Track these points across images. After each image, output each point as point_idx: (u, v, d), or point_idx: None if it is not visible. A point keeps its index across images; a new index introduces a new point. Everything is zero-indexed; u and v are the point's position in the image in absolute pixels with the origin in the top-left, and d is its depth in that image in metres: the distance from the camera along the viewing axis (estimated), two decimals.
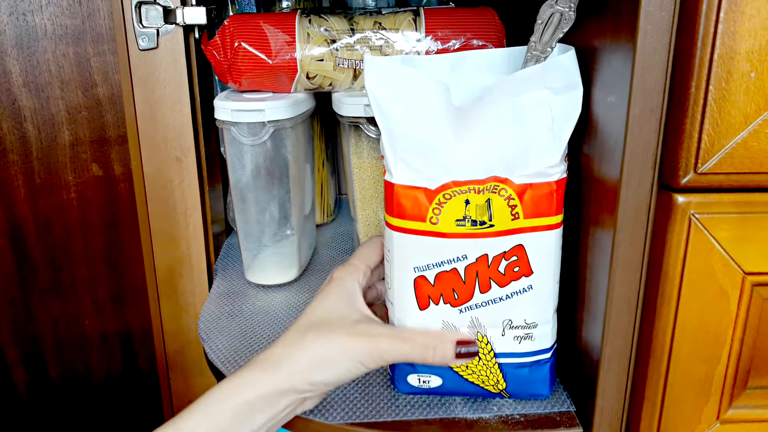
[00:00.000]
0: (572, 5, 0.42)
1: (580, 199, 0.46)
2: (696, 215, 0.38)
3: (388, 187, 0.44)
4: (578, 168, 0.47)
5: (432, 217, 0.43)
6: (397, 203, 0.43)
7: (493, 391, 0.48)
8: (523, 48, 0.45)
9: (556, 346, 0.48)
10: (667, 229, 0.38)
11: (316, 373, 0.41)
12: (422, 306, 0.45)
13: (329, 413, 0.49)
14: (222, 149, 0.75)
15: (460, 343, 0.43)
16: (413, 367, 0.48)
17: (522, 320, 0.45)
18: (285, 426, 0.50)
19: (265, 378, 0.40)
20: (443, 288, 0.44)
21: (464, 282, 0.44)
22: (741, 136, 0.36)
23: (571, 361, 0.50)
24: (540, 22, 0.43)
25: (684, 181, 0.37)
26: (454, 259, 0.43)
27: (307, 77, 0.63)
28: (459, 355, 0.42)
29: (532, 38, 0.43)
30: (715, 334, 0.40)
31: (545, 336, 0.47)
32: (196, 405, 0.40)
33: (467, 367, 0.47)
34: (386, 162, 0.44)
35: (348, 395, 0.51)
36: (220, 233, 0.80)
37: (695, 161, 0.36)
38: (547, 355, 0.47)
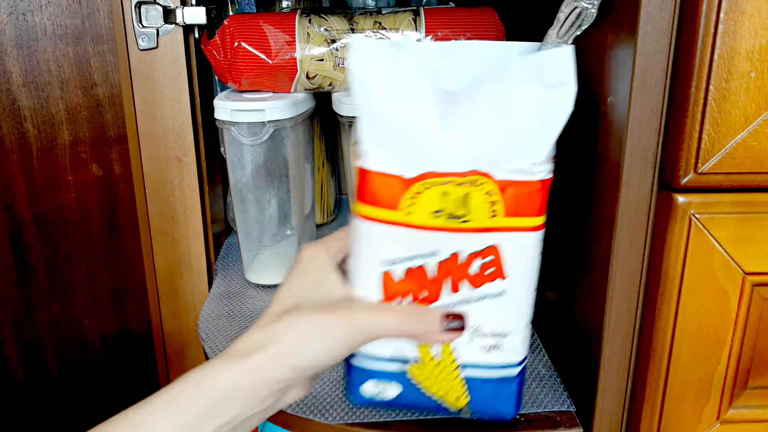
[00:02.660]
0: (595, 2, 0.41)
1: (580, 199, 0.46)
2: (696, 215, 0.37)
3: (361, 173, 0.40)
4: (578, 168, 0.47)
5: (406, 207, 0.39)
6: (369, 190, 0.40)
7: (454, 407, 0.44)
8: (517, 43, 0.44)
9: (526, 363, 0.45)
10: (668, 229, 0.38)
11: (294, 358, 0.37)
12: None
13: (329, 413, 0.49)
14: (222, 149, 0.75)
15: (447, 316, 0.40)
16: (369, 374, 0.44)
17: (491, 328, 0.42)
18: (285, 426, 0.50)
19: (239, 367, 0.36)
20: (411, 285, 0.41)
21: (434, 280, 0.41)
22: (741, 136, 0.36)
23: (571, 360, 0.50)
24: (562, 15, 0.42)
25: (684, 181, 0.37)
26: (425, 254, 0.40)
27: (307, 77, 0.63)
28: (446, 330, 0.40)
29: (550, 31, 0.42)
30: (716, 334, 0.40)
31: (515, 348, 0.43)
32: (158, 397, 0.36)
33: (429, 375, 0.43)
34: (360, 147, 0.40)
35: None
36: (220, 233, 0.80)
37: (695, 161, 0.36)
38: (516, 370, 0.43)
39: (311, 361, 0.38)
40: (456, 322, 0.40)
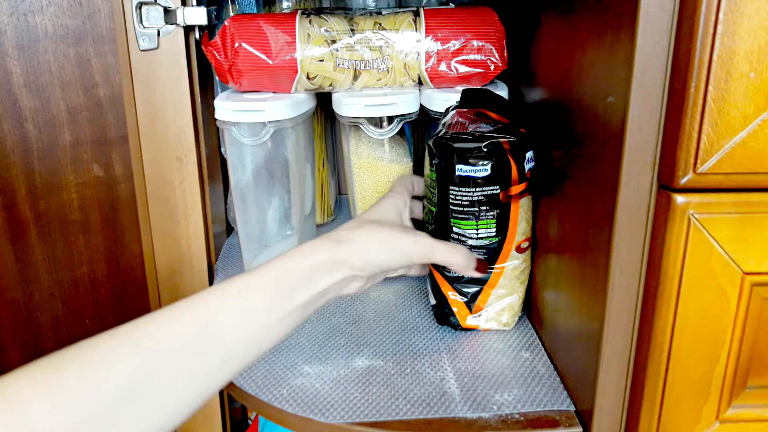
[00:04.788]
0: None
1: (579, 199, 0.46)
2: (695, 215, 0.38)
3: None
4: (578, 168, 0.47)
5: None
6: None
7: None
8: None
9: None
10: (667, 230, 0.38)
11: (369, 254, 0.48)
12: None
13: (329, 413, 0.49)
14: (223, 149, 0.75)
15: (479, 261, 0.54)
16: None
17: None
18: (285, 425, 0.50)
19: (330, 248, 0.47)
20: None
21: None
22: (740, 137, 0.36)
23: (571, 360, 0.50)
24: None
25: (683, 181, 0.37)
26: None
27: (308, 77, 0.63)
28: (476, 269, 0.54)
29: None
30: (715, 333, 0.40)
31: None
32: (270, 262, 0.46)
33: None
34: None
35: (348, 395, 0.51)
36: (221, 233, 0.80)
37: (694, 161, 0.37)
38: None
39: (380, 261, 0.49)
40: (480, 264, 0.54)
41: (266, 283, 0.44)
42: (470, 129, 0.53)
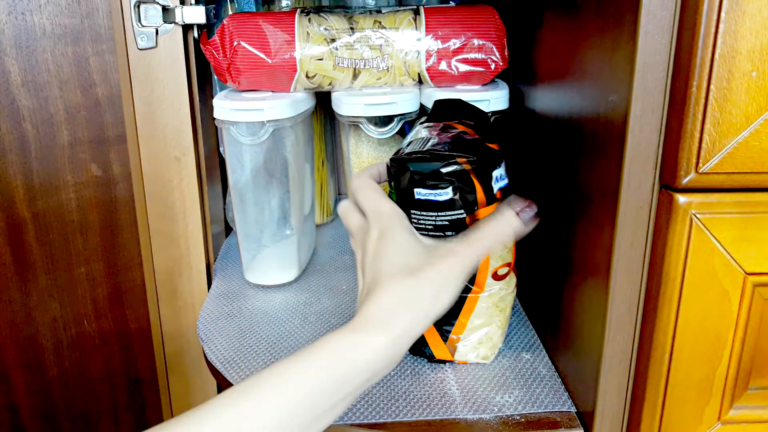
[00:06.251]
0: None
1: (581, 199, 0.46)
2: (697, 215, 0.37)
3: None
4: (579, 168, 0.47)
5: None
6: None
7: None
8: None
9: None
10: (668, 229, 0.38)
11: (433, 311, 0.39)
12: None
13: None
14: (221, 149, 0.75)
15: (518, 212, 0.42)
16: None
17: None
18: None
19: (371, 343, 0.37)
20: None
21: None
22: (742, 136, 0.36)
23: (572, 361, 0.50)
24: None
25: (685, 181, 0.37)
26: None
27: (307, 76, 0.63)
28: (526, 222, 0.42)
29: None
30: (717, 334, 0.40)
31: None
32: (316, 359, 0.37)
33: None
34: None
35: None
36: (220, 233, 0.79)
37: (696, 161, 0.36)
38: None
39: (415, 324, 0.38)
40: (529, 209, 0.42)
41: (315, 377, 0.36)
42: (431, 146, 0.46)
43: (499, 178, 0.46)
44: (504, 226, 0.42)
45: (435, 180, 0.44)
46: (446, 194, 0.44)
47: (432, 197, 0.44)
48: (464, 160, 0.43)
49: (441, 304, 0.39)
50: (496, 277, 0.50)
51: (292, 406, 0.36)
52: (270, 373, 0.37)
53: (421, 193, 0.44)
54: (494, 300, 0.52)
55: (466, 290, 0.51)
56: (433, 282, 0.39)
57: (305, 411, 0.36)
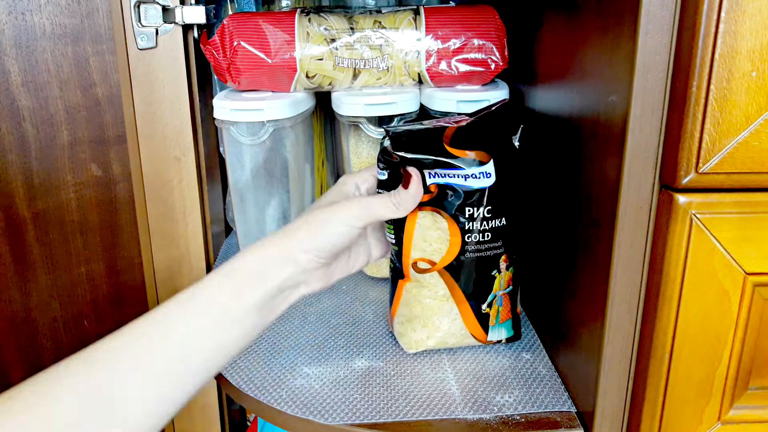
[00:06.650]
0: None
1: (581, 199, 0.46)
2: (697, 215, 0.37)
3: None
4: (579, 167, 0.47)
5: None
6: None
7: None
8: None
9: None
10: (668, 229, 0.38)
11: (312, 239, 0.45)
12: None
13: (329, 413, 0.48)
14: (221, 149, 0.75)
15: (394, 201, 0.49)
16: None
17: None
18: (285, 426, 0.50)
19: (276, 243, 0.45)
20: None
21: None
22: (742, 136, 0.36)
23: (572, 361, 0.50)
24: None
25: (685, 180, 0.37)
26: None
27: (307, 76, 0.63)
28: (396, 206, 0.48)
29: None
30: (717, 334, 0.40)
31: None
32: (222, 266, 0.44)
33: None
34: None
35: (348, 395, 0.50)
36: (220, 233, 0.79)
37: (696, 161, 0.36)
38: None
39: (323, 242, 0.45)
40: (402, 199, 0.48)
41: (213, 286, 0.43)
42: (417, 128, 0.51)
43: (435, 175, 0.50)
44: (379, 206, 0.48)
45: (379, 162, 0.51)
46: (383, 175, 0.51)
47: (379, 175, 0.51)
48: (396, 156, 0.49)
49: (334, 235, 0.46)
50: (416, 269, 0.53)
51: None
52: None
53: (378, 165, 0.52)
54: (415, 294, 0.54)
55: (400, 275, 0.55)
56: (339, 210, 0.47)
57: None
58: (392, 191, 0.49)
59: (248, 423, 0.87)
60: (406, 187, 0.48)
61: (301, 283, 0.46)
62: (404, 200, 0.48)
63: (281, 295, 0.44)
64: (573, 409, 0.48)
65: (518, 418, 0.47)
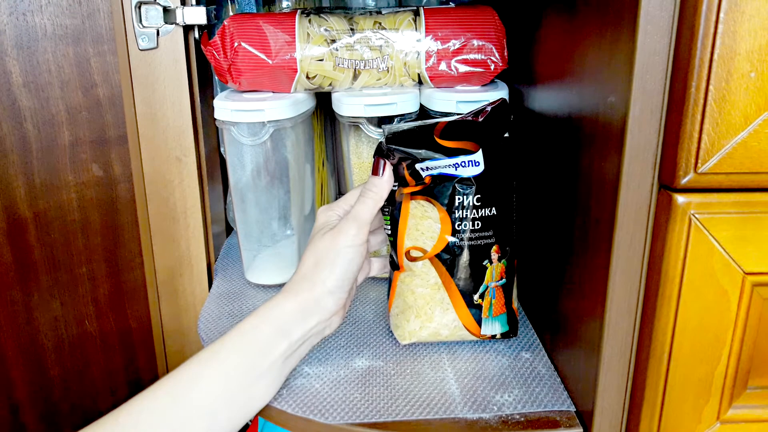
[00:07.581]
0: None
1: (580, 200, 0.46)
2: (696, 215, 0.37)
3: None
4: (578, 168, 0.47)
5: None
6: None
7: None
8: None
9: None
10: (668, 230, 0.38)
11: (328, 281, 0.49)
12: None
13: (329, 413, 0.49)
14: (222, 149, 0.75)
15: (377, 170, 0.52)
16: None
17: None
18: (285, 426, 0.50)
19: (294, 298, 0.49)
20: None
21: None
22: (741, 136, 0.36)
23: (571, 360, 0.50)
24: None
25: (684, 181, 0.37)
26: None
27: (307, 77, 0.63)
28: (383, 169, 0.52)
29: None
30: (716, 334, 0.40)
31: None
32: (230, 332, 0.48)
33: None
34: None
35: (348, 395, 0.51)
36: (220, 233, 0.80)
37: (695, 161, 0.36)
38: None
39: (340, 280, 0.49)
40: (384, 161, 0.52)
41: (236, 348, 0.47)
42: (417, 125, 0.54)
43: (428, 169, 0.52)
44: (361, 208, 0.51)
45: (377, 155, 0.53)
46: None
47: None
48: (390, 150, 0.51)
49: (344, 265, 0.50)
50: (410, 257, 0.54)
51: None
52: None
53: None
54: (408, 283, 0.55)
55: (396, 268, 0.56)
56: (337, 235, 0.50)
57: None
58: (363, 184, 0.52)
59: (248, 422, 0.87)
60: (375, 173, 0.52)
61: (325, 327, 0.50)
62: (377, 185, 0.51)
63: (306, 343, 0.50)
64: (572, 409, 0.48)
65: (518, 417, 0.48)
